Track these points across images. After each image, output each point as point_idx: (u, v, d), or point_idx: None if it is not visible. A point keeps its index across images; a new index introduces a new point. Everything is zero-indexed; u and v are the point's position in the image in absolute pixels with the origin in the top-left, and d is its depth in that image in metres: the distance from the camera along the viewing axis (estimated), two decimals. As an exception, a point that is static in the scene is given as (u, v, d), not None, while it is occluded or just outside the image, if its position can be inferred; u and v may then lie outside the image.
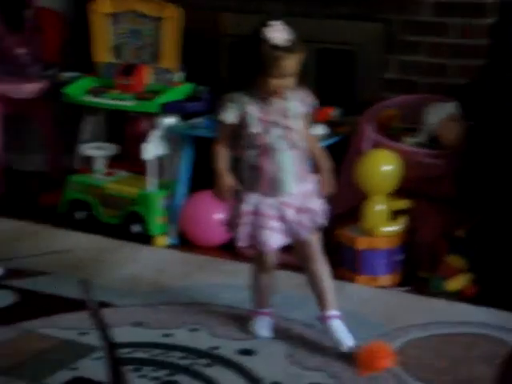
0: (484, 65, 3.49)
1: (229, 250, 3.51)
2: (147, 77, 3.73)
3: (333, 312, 2.64)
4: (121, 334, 2.73)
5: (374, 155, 3.21)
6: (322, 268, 2.65)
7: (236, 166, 2.59)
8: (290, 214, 2.55)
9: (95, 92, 3.76)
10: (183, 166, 3.58)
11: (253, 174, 2.54)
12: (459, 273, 3.11)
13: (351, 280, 3.17)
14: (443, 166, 3.21)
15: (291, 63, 2.42)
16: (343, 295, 2.86)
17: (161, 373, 2.52)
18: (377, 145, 3.29)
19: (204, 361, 2.59)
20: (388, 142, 3.28)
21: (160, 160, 3.67)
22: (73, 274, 3.19)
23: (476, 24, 3.48)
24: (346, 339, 2.60)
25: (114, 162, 3.85)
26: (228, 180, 2.54)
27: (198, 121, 3.56)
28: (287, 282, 3.14)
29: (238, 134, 2.54)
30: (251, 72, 2.45)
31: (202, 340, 2.72)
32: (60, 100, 3.84)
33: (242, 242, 2.59)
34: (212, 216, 3.52)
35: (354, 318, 2.80)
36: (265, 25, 2.42)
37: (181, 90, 3.69)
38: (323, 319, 2.65)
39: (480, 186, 3.08)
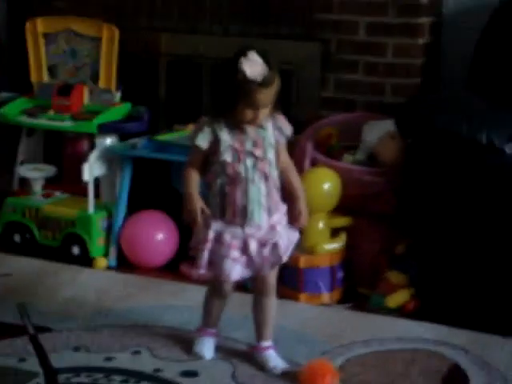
0: (419, 83, 3.57)
1: (170, 270, 3.50)
2: (84, 97, 3.70)
3: (269, 343, 2.66)
4: (61, 359, 2.70)
5: (314, 173, 3.23)
6: (272, 302, 2.64)
7: (205, 191, 2.54)
8: (253, 246, 2.50)
9: (31, 112, 3.71)
10: (122, 187, 3.55)
11: (221, 202, 2.49)
12: (399, 289, 3.14)
13: (293, 298, 3.17)
14: (382, 184, 3.25)
15: (267, 96, 2.37)
16: (286, 313, 2.86)
17: (103, 397, 2.49)
18: (316, 163, 3.31)
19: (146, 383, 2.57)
20: (327, 160, 3.31)
21: (98, 181, 3.63)
22: (11, 299, 3.13)
23: (410, 43, 3.55)
24: (280, 363, 2.62)
25: (51, 183, 3.80)
26: (198, 203, 2.48)
27: (137, 141, 3.53)
28: (229, 302, 3.14)
29: (208, 160, 2.49)
30: (226, 101, 2.40)
31: (144, 363, 2.69)
32: (-6, 121, 3.78)
33: (202, 269, 2.54)
34: (152, 237, 3.50)
35: (296, 337, 2.81)
36: (241, 54, 2.36)
37: (119, 110, 3.67)
38: (259, 349, 2.65)
39: (419, 203, 3.12)
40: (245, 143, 2.46)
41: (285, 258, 2.55)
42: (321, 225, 3.21)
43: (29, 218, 3.63)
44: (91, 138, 3.68)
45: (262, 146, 2.47)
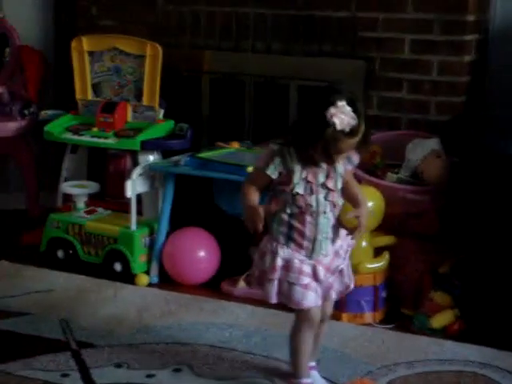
0: (464, 101, 3.53)
1: (211, 288, 3.49)
2: (128, 114, 3.73)
3: (313, 363, 2.63)
4: (103, 375, 2.70)
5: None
6: (326, 327, 2.61)
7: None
8: (322, 273, 2.44)
9: (76, 130, 3.75)
10: (164, 204, 3.56)
11: (288, 232, 2.42)
12: (444, 309, 3.09)
13: (336, 318, 3.14)
14: (426, 202, 3.22)
15: (351, 144, 2.32)
16: (328, 333, 2.83)
17: (144, 415, 2.49)
18: (360, 181, 3.28)
19: (188, 402, 2.56)
20: (371, 179, 3.29)
21: (140, 197, 3.65)
22: (54, 314, 3.15)
23: (455, 61, 3.51)
24: None
25: (94, 199, 3.83)
26: (260, 210, 2.39)
27: (179, 158, 3.54)
28: (269, 320, 3.12)
29: (275, 187, 2.42)
30: (307, 141, 2.32)
31: (185, 380, 2.68)
32: (41, 138, 3.82)
33: (273, 299, 2.46)
34: (194, 254, 3.50)
35: (338, 357, 2.78)
36: (332, 102, 2.27)
37: (162, 127, 3.69)
38: None
39: (463, 222, 3.08)
40: (318, 176, 2.40)
41: (351, 286, 2.51)
42: (364, 244, 3.18)
43: (72, 235, 3.66)
44: (134, 155, 3.70)
45: (333, 176, 2.41)
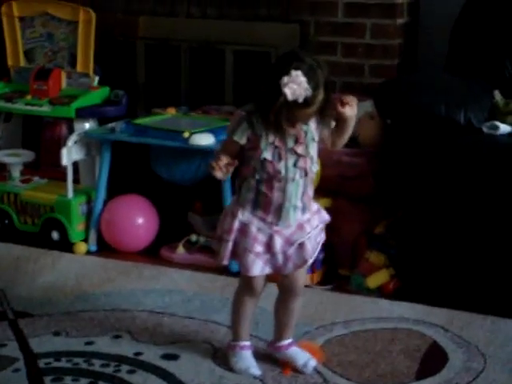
0: (398, 64, 3.57)
1: (150, 254, 3.49)
2: (62, 81, 3.67)
3: (291, 339, 2.58)
4: (41, 344, 2.69)
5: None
6: (299, 302, 2.55)
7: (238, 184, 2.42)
8: (279, 244, 2.39)
9: (9, 97, 3.68)
10: (101, 171, 3.53)
11: (255, 198, 2.38)
12: (379, 269, 3.15)
13: (273, 280, 3.17)
14: (361, 165, 3.25)
15: (307, 114, 2.27)
16: (266, 296, 2.85)
17: (83, 382, 2.48)
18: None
19: (127, 367, 2.56)
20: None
21: (77, 165, 3.61)
22: (-10, 285, 3.13)
23: (388, 24, 3.55)
24: (309, 362, 2.54)
25: (30, 168, 3.78)
26: (225, 158, 2.32)
27: (116, 125, 3.51)
28: (208, 285, 3.14)
29: (244, 154, 2.37)
30: (266, 108, 2.26)
31: (125, 346, 2.68)
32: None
33: (225, 260, 2.43)
34: (132, 221, 3.49)
35: (277, 318, 2.81)
36: (287, 71, 2.20)
37: (97, 95, 3.64)
38: (279, 347, 2.57)
39: (399, 183, 3.13)
40: (287, 140, 2.34)
41: (310, 261, 2.46)
42: (300, 206, 3.21)
43: (7, 204, 3.61)
44: (69, 123, 3.66)
45: (304, 141, 2.36)
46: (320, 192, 3.25)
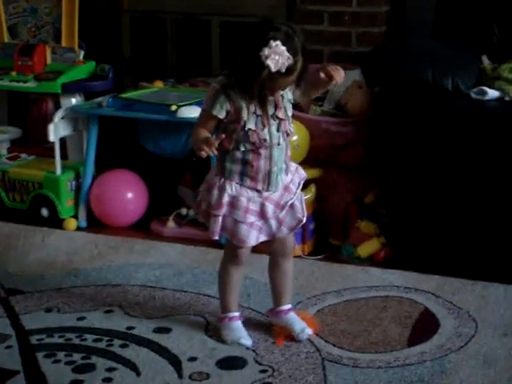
0: (384, 31, 3.55)
1: (141, 229, 3.48)
2: (47, 56, 3.64)
3: (290, 305, 2.59)
4: (33, 321, 2.69)
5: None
6: (291, 263, 2.57)
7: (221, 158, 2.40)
8: (271, 210, 2.40)
9: (-7, 74, 3.65)
10: (89, 147, 3.51)
11: (244, 169, 2.37)
12: (370, 238, 3.15)
13: (264, 251, 3.17)
14: (350, 133, 3.24)
15: (288, 81, 2.27)
16: (258, 267, 2.86)
17: (76, 357, 2.48)
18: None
19: (120, 341, 2.56)
20: (294, 112, 3.28)
21: (64, 141, 3.59)
22: (-20, 263, 3.12)
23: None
24: (305, 330, 2.54)
25: (17, 145, 3.76)
26: (206, 133, 2.32)
27: (102, 99, 3.48)
28: (199, 258, 3.14)
29: (225, 127, 2.35)
30: (245, 80, 2.25)
31: (117, 321, 2.68)
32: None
33: (216, 235, 2.42)
34: (121, 196, 3.48)
35: (268, 289, 2.80)
36: (265, 42, 2.19)
37: (83, 69, 3.61)
38: (278, 313, 2.58)
39: (388, 152, 3.12)
40: (267, 107, 2.32)
41: (303, 219, 2.46)
42: (290, 177, 3.20)
43: (-5, 182, 3.60)
44: (56, 99, 3.63)
45: (282, 105, 2.36)
46: (309, 162, 3.25)
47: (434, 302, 2.76)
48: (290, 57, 2.22)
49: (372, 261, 3.12)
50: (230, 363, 2.43)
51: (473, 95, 2.98)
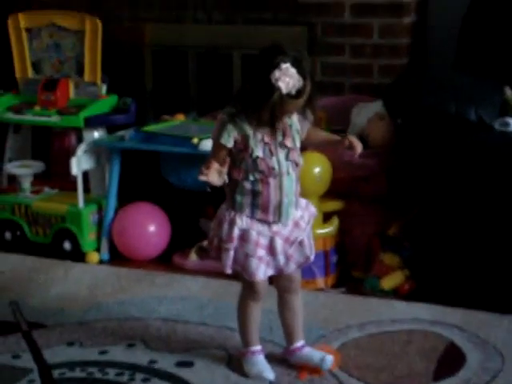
0: (406, 63, 3.55)
1: (163, 262, 3.48)
2: (70, 91, 3.67)
3: (303, 341, 2.56)
4: (55, 355, 2.68)
5: (304, 158, 3.19)
6: (300, 301, 2.54)
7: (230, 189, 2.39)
8: (280, 245, 2.39)
9: (18, 109, 3.68)
10: (111, 180, 3.52)
11: (252, 200, 2.36)
12: (394, 271, 3.12)
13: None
14: (373, 165, 3.23)
15: (298, 105, 2.28)
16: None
17: (98, 391, 2.47)
18: (306, 148, 3.28)
19: (142, 375, 2.54)
20: (316, 145, 3.28)
21: (87, 175, 3.61)
22: (3, 296, 3.11)
23: (395, 23, 3.53)
24: (326, 358, 2.51)
25: (40, 179, 3.78)
26: (216, 164, 2.30)
27: (125, 133, 3.50)
28: (221, 291, 3.12)
29: (234, 158, 2.35)
30: (253, 106, 2.26)
31: (139, 355, 2.67)
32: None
33: (228, 269, 2.41)
34: (144, 229, 3.48)
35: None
36: (275, 65, 2.20)
37: (105, 103, 3.64)
38: (293, 351, 2.55)
39: (411, 184, 3.11)
40: (275, 135, 2.33)
41: (312, 257, 2.46)
42: (312, 209, 3.19)
43: (19, 215, 3.61)
44: (78, 132, 3.66)
45: (290, 134, 2.36)
46: (331, 195, 3.24)
47: (459, 336, 2.72)
48: (300, 79, 2.23)
49: (396, 294, 3.09)
50: (253, 398, 2.42)
51: (496, 126, 2.96)
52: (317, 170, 3.17)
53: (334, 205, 3.27)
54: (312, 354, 2.55)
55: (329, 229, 3.21)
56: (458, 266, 2.97)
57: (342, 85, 3.65)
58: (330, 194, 3.24)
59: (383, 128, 3.26)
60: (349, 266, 3.28)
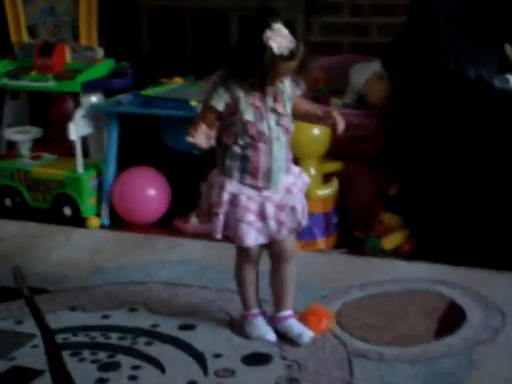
0: (405, 22, 3.50)
1: (164, 226, 3.48)
2: (66, 55, 3.64)
3: (290, 311, 2.54)
4: (58, 320, 2.69)
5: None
6: (292, 270, 2.51)
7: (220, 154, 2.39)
8: (271, 210, 2.37)
9: (14, 74, 3.65)
10: (110, 145, 3.51)
11: (241, 165, 2.35)
12: (394, 230, 3.13)
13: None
14: (372, 126, 3.21)
15: (291, 67, 2.26)
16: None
17: (101, 355, 2.48)
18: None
19: (144, 339, 2.55)
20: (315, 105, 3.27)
21: (86, 140, 3.59)
22: (5, 263, 3.11)
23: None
24: (305, 333, 2.49)
25: (39, 145, 3.76)
26: (204, 127, 2.27)
27: (122, 97, 3.48)
28: (222, 254, 3.12)
29: (224, 121, 2.34)
30: (246, 69, 2.24)
31: (141, 319, 2.68)
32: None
33: (219, 234, 2.41)
34: (144, 193, 3.48)
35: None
36: (267, 25, 2.19)
37: (102, 67, 3.61)
38: (278, 320, 2.54)
39: (410, 143, 3.09)
40: (266, 100, 2.33)
41: (304, 223, 2.45)
42: (312, 171, 3.18)
43: (18, 181, 3.60)
44: (76, 97, 3.63)
45: (281, 100, 2.35)
46: (330, 156, 3.23)
47: (460, 295, 2.73)
48: (293, 40, 2.21)
49: (397, 254, 3.09)
50: (256, 359, 2.42)
51: (496, 84, 2.93)
52: (316, 131, 3.15)
53: (333, 166, 3.26)
54: (293, 326, 2.51)
55: (329, 190, 3.21)
56: (458, 225, 2.97)
57: (341, 44, 3.61)
58: (329, 155, 3.23)
59: (382, 88, 3.24)
60: (350, 226, 3.28)
